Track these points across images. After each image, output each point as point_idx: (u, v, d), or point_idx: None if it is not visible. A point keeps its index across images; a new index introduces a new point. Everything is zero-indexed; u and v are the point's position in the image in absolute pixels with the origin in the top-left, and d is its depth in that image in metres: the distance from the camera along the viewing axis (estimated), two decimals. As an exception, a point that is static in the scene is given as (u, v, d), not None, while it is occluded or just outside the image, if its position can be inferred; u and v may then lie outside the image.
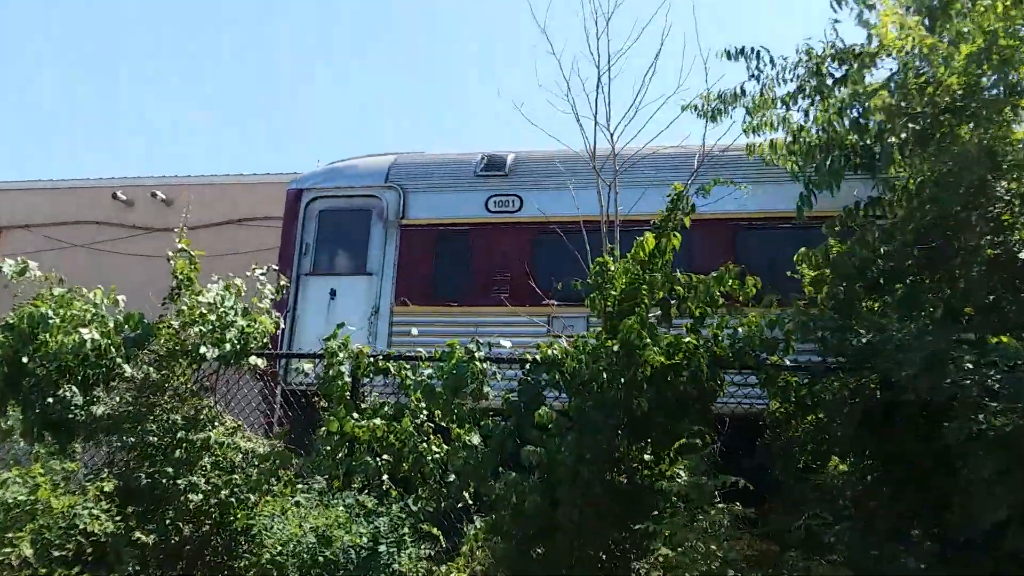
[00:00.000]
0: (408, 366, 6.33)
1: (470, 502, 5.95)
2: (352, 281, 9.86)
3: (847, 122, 5.74)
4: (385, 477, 6.00)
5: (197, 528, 5.53)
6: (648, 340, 5.26)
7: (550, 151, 9.87)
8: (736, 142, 7.66)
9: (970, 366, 3.97)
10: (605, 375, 5.40)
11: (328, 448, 5.98)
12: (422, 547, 5.14)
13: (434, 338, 9.15)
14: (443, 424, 6.24)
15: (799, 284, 6.14)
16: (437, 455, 6.02)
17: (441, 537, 5.39)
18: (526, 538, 5.35)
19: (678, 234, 6.19)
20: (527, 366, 5.97)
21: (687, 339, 5.37)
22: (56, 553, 4.77)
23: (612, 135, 7.43)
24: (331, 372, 6.08)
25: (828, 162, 5.74)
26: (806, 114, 6.14)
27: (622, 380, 5.25)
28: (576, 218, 9.06)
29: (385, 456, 5.94)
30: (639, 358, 5.23)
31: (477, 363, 5.90)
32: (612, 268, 6.24)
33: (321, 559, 4.74)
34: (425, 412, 6.20)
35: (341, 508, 5.27)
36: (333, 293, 9.78)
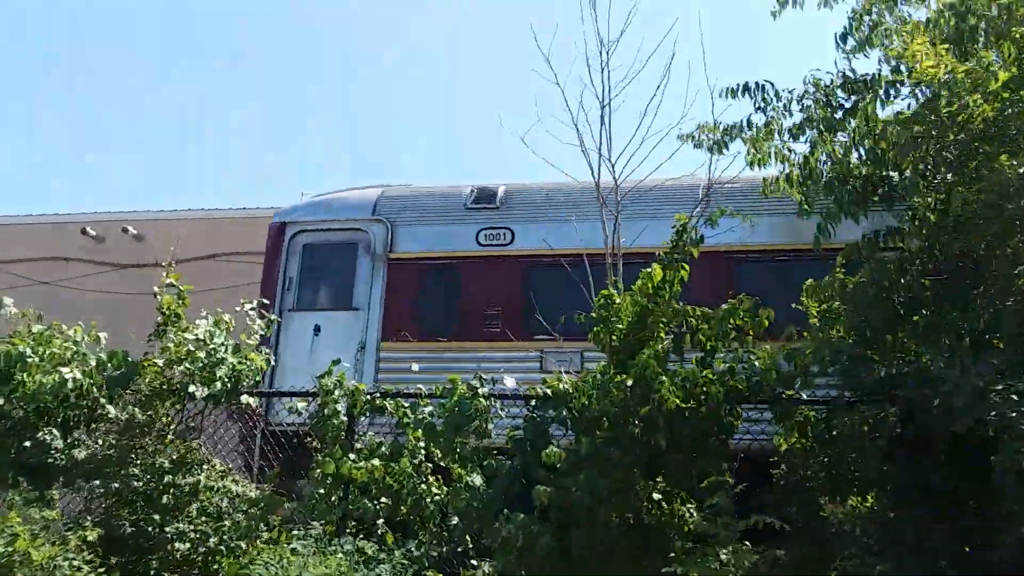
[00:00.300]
0: (406, 404, 6.07)
1: (470, 546, 5.69)
2: (337, 317, 9.57)
3: (862, 152, 5.64)
4: (380, 521, 5.72)
5: (183, 578, 5.20)
6: (664, 376, 5.06)
7: (543, 183, 9.73)
8: (741, 174, 7.54)
9: (1015, 397, 3.81)
10: (617, 411, 5.18)
11: (322, 491, 5.68)
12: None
13: (424, 375, 8.96)
14: (441, 464, 5.98)
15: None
16: (437, 497, 5.76)
17: (448, 585, 5.09)
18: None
19: (686, 266, 6.04)
20: (532, 402, 5.74)
21: (703, 373, 5.18)
22: (35, 611, 4.41)
23: (613, 166, 7.31)
24: (326, 411, 5.80)
25: (846, 193, 5.63)
26: (813, 145, 6.04)
27: (636, 417, 5.03)
28: (571, 251, 8.90)
29: (383, 499, 5.65)
30: (655, 394, 5.03)
31: (481, 399, 5.65)
32: (618, 301, 6.06)
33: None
34: (423, 452, 5.94)
35: (340, 555, 4.96)
36: (317, 329, 9.47)
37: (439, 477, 5.90)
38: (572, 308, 8.92)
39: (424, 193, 10.00)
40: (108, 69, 36.00)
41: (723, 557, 4.27)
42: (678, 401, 4.96)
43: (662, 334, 5.51)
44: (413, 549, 5.13)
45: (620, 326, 5.97)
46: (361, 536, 5.61)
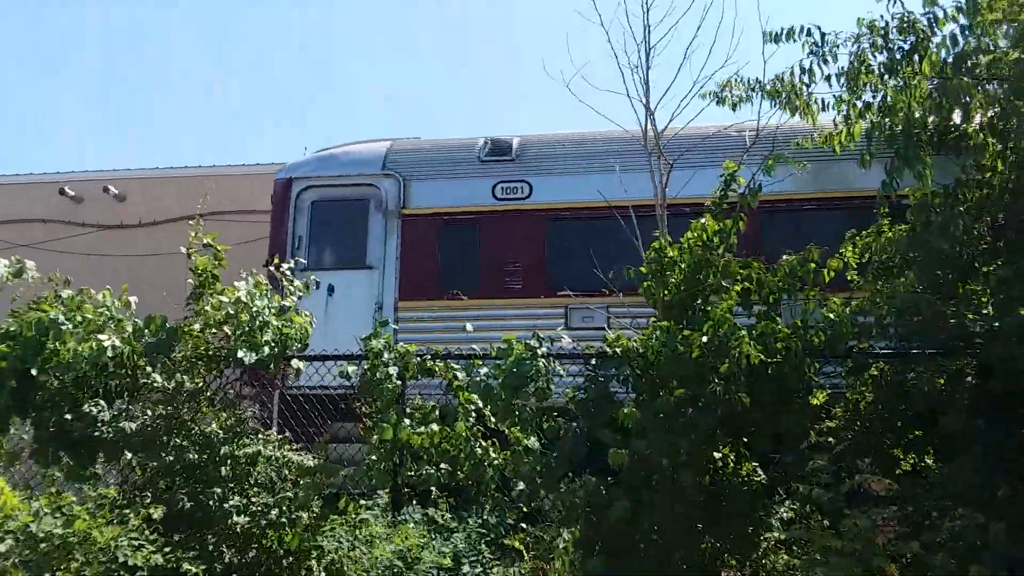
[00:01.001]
0: (457, 365, 5.84)
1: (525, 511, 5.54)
2: (351, 276, 9.25)
3: (930, 101, 5.43)
4: (434, 489, 5.53)
5: (241, 554, 4.95)
6: (742, 331, 4.88)
7: (560, 134, 9.45)
8: (785, 123, 7.30)
9: None
10: (691, 370, 5.00)
11: (376, 458, 5.45)
12: (509, 567, 4.66)
13: (442, 334, 8.73)
14: (494, 428, 5.78)
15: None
16: (496, 461, 5.56)
17: (526, 553, 4.92)
18: (610, 550, 4.93)
19: (744, 216, 5.85)
20: (594, 361, 5.54)
21: (780, 328, 5.02)
22: (101, 593, 4.15)
23: (652, 114, 7.03)
24: (378, 374, 5.53)
25: (910, 144, 5.43)
26: (875, 92, 5.83)
27: (716, 375, 4.86)
28: (594, 204, 8.68)
29: (443, 465, 5.45)
30: (734, 350, 4.85)
31: (541, 360, 5.43)
32: (671, 253, 5.86)
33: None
34: (474, 415, 5.73)
35: (411, 526, 4.76)
36: (331, 289, 9.15)
37: (494, 441, 5.70)
38: (598, 262, 8.80)
39: (435, 146, 9.65)
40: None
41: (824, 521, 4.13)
42: (761, 356, 4.79)
43: (735, 288, 5.32)
44: (489, 518, 4.92)
45: (674, 279, 5.78)
46: (415, 503, 5.43)
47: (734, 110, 7.34)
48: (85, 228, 15.05)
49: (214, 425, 5.04)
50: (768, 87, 7.14)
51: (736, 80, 7.29)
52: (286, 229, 9.38)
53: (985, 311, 4.99)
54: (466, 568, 4.44)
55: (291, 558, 5.02)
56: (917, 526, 4.30)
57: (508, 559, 4.77)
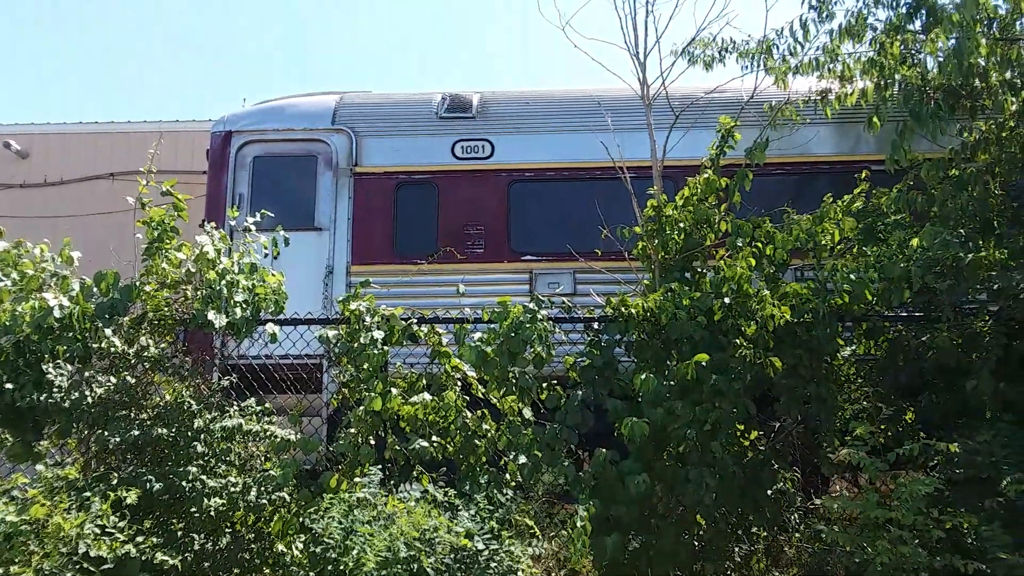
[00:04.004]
0: (442, 330, 5.38)
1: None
2: (298, 237, 8.44)
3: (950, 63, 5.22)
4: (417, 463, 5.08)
5: (213, 539, 4.39)
6: (767, 292, 4.59)
7: (524, 90, 8.99)
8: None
9: None
10: (709, 332, 4.69)
11: (356, 431, 4.95)
12: (526, 545, 4.26)
13: (397, 300, 8.19)
14: (480, 398, 5.36)
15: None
16: (489, 433, 5.14)
17: (538, 531, 4.52)
18: (626, 526, 4.60)
19: (750, 173, 5.57)
20: (597, 325, 5.18)
21: (800, 289, 4.75)
22: (62, 590, 3.55)
23: (643, 64, 6.63)
24: (361, 339, 5.02)
25: (924, 106, 5.23)
26: (880, 49, 5.60)
27: (744, 337, 4.56)
28: (561, 164, 8.32)
29: (435, 438, 4.99)
30: (757, 312, 4.56)
31: (542, 323, 5.02)
32: (670, 212, 5.54)
33: (429, 569, 3.77)
34: (459, 385, 5.30)
35: (412, 504, 4.30)
36: (273, 254, 8.46)
37: (485, 412, 5.28)
38: (564, 225, 8.42)
39: (389, 101, 9.03)
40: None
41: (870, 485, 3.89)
42: (788, 317, 4.51)
43: (746, 249, 5.03)
44: (496, 494, 4.50)
45: (676, 238, 5.47)
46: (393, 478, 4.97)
47: (707, 70, 7.08)
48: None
49: (169, 397, 4.43)
50: (741, 48, 6.91)
51: (709, 39, 7.01)
52: (224, 186, 8.61)
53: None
54: (480, 545, 4.01)
55: (265, 543, 4.51)
56: (968, 494, 4.12)
57: (521, 537, 4.37)
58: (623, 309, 5.02)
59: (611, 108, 8.04)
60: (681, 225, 5.52)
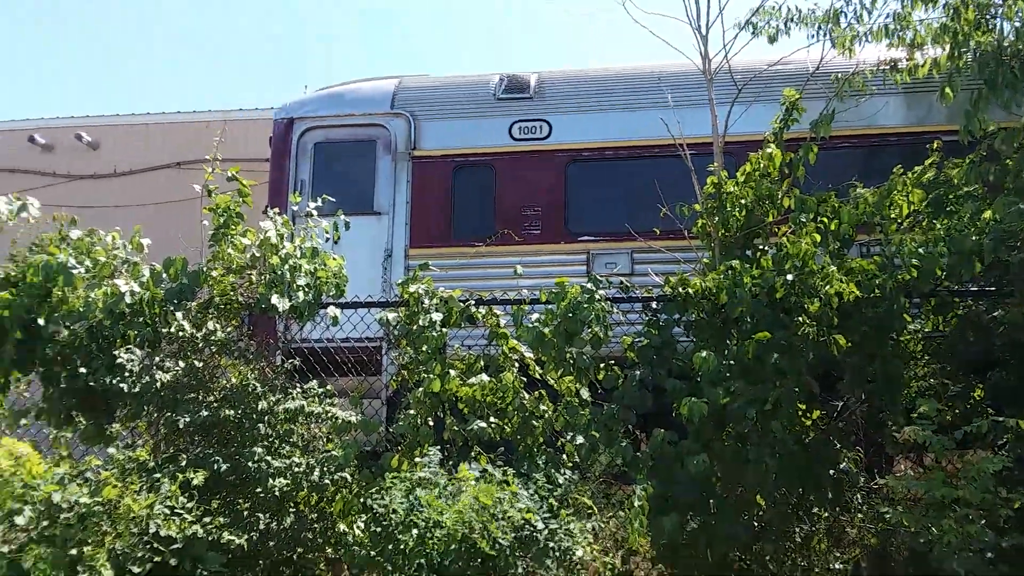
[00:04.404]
0: (499, 312, 5.39)
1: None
2: (357, 222, 8.55)
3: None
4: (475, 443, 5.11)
5: (277, 519, 4.49)
6: (832, 268, 4.47)
7: (581, 70, 8.91)
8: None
9: None
10: (771, 311, 4.60)
11: (415, 412, 4.99)
12: (586, 523, 4.25)
13: (454, 283, 8.22)
14: (537, 379, 5.36)
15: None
16: (547, 414, 5.14)
17: (596, 510, 4.51)
18: (684, 507, 4.56)
19: (815, 147, 5.43)
20: (655, 304, 5.12)
21: (867, 265, 4.61)
22: (135, 569, 3.68)
23: (706, 38, 6.50)
24: (420, 321, 5.06)
25: (1001, 74, 4.99)
26: (953, 15, 5.36)
27: (807, 315, 4.46)
28: (620, 143, 8.23)
29: (493, 419, 5.02)
30: (821, 289, 4.45)
31: (600, 304, 4.98)
32: (731, 189, 5.43)
33: (498, 542, 3.80)
34: (517, 366, 5.30)
35: (471, 483, 4.33)
36: (334, 238, 8.58)
37: (542, 393, 5.28)
38: (621, 204, 8.32)
39: (447, 84, 9.02)
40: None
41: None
42: (856, 292, 4.39)
43: (810, 224, 4.90)
44: (555, 473, 4.51)
45: (737, 215, 5.36)
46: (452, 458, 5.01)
47: (771, 42, 6.89)
48: (56, 178, 14.23)
49: (235, 379, 4.54)
50: (807, 18, 6.70)
51: (774, 9, 6.82)
52: (287, 172, 8.76)
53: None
54: (540, 524, 4.02)
55: (327, 523, 4.60)
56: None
57: (579, 516, 4.36)
58: (682, 288, 4.95)
59: (671, 84, 7.92)
60: (742, 202, 5.42)
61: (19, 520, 3.63)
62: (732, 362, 4.59)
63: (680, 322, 5.06)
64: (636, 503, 4.30)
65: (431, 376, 4.89)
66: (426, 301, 5.17)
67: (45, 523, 3.74)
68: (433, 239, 8.45)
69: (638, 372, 4.94)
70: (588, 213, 8.36)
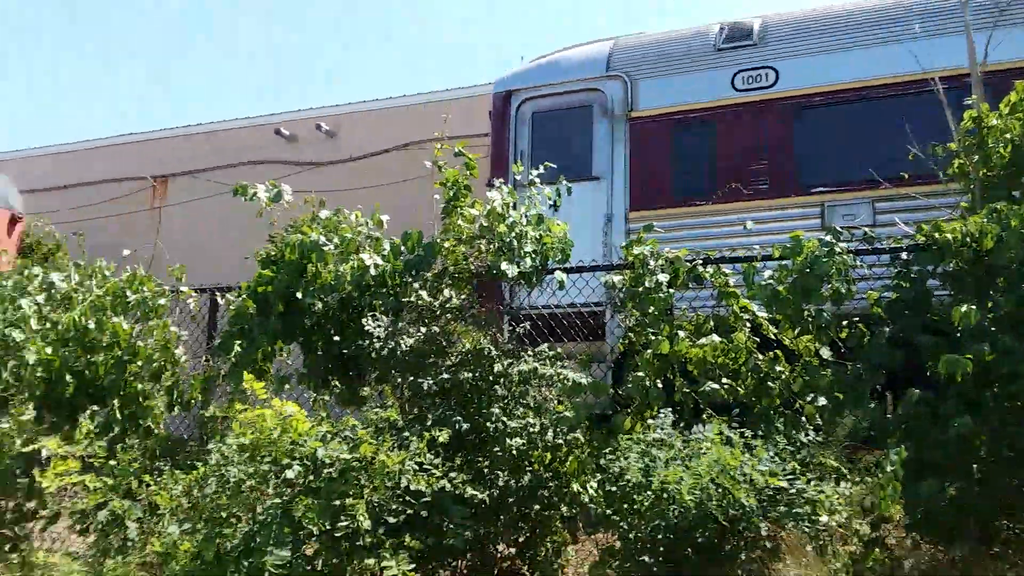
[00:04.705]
0: (728, 271, 5.19)
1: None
2: (576, 188, 8.66)
3: None
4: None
5: (515, 477, 4.64)
6: None
7: (806, 9, 8.33)
8: None
9: None
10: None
11: (644, 374, 4.93)
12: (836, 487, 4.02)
13: (677, 244, 8.00)
14: (771, 338, 5.11)
15: None
16: (783, 375, 4.90)
17: (844, 471, 4.26)
18: (943, 471, 4.18)
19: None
20: (905, 255, 4.71)
21: None
22: (391, 520, 3.95)
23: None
24: (646, 283, 5.00)
25: None
26: None
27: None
28: (854, 84, 7.62)
29: (725, 380, 4.86)
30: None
31: (840, 256, 4.66)
32: (995, 122, 4.84)
33: (738, 506, 3.71)
34: (748, 326, 5.08)
35: (707, 444, 4.23)
36: (555, 204, 8.68)
37: (776, 354, 5.04)
38: (859, 151, 7.71)
39: (664, 40, 8.78)
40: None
41: None
42: None
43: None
44: (798, 435, 4.30)
45: (1001, 151, 4.77)
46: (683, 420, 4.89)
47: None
48: (300, 166, 15.49)
49: (469, 344, 4.72)
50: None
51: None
52: (507, 143, 8.96)
53: None
54: (785, 483, 3.85)
55: (561, 481, 4.68)
56: None
57: (826, 479, 4.13)
58: (937, 235, 4.50)
59: (913, 13, 7.20)
60: (1007, 136, 4.83)
61: (289, 474, 4.00)
62: (999, 314, 4.12)
63: (935, 273, 4.61)
64: (888, 468, 3.99)
65: (659, 338, 4.82)
66: (651, 263, 5.08)
67: (311, 477, 4.11)
68: (653, 201, 8.30)
69: (887, 329, 4.57)
70: (822, 163, 7.83)
